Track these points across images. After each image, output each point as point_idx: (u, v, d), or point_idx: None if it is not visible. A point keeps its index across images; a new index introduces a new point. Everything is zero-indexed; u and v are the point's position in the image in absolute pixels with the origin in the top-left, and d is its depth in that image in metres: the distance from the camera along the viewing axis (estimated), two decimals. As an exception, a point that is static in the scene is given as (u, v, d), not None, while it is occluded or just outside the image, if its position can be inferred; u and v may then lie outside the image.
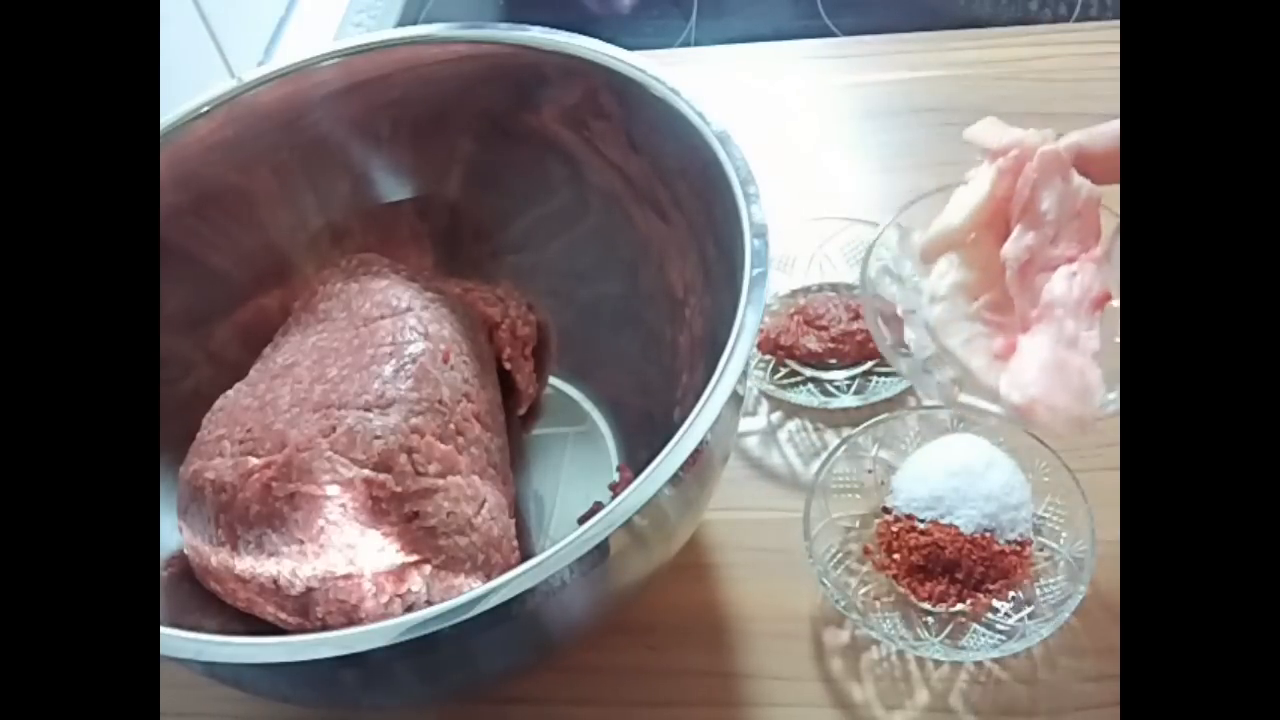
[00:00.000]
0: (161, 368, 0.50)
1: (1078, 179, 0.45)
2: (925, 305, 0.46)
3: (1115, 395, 0.44)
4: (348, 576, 0.46)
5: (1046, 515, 0.55)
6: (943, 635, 0.52)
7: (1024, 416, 0.43)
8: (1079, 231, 0.45)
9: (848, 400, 0.62)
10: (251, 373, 0.55)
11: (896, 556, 0.54)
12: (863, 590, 0.54)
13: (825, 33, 0.93)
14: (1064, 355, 0.43)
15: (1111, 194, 0.45)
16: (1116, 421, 0.41)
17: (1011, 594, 0.52)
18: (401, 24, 0.94)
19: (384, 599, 0.46)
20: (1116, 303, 0.45)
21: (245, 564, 0.48)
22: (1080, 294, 0.44)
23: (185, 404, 0.53)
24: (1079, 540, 0.52)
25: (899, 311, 0.49)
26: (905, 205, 0.52)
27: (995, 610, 0.52)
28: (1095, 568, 0.51)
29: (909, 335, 0.48)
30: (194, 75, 0.63)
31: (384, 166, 0.62)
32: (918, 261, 0.48)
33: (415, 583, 0.46)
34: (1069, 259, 0.45)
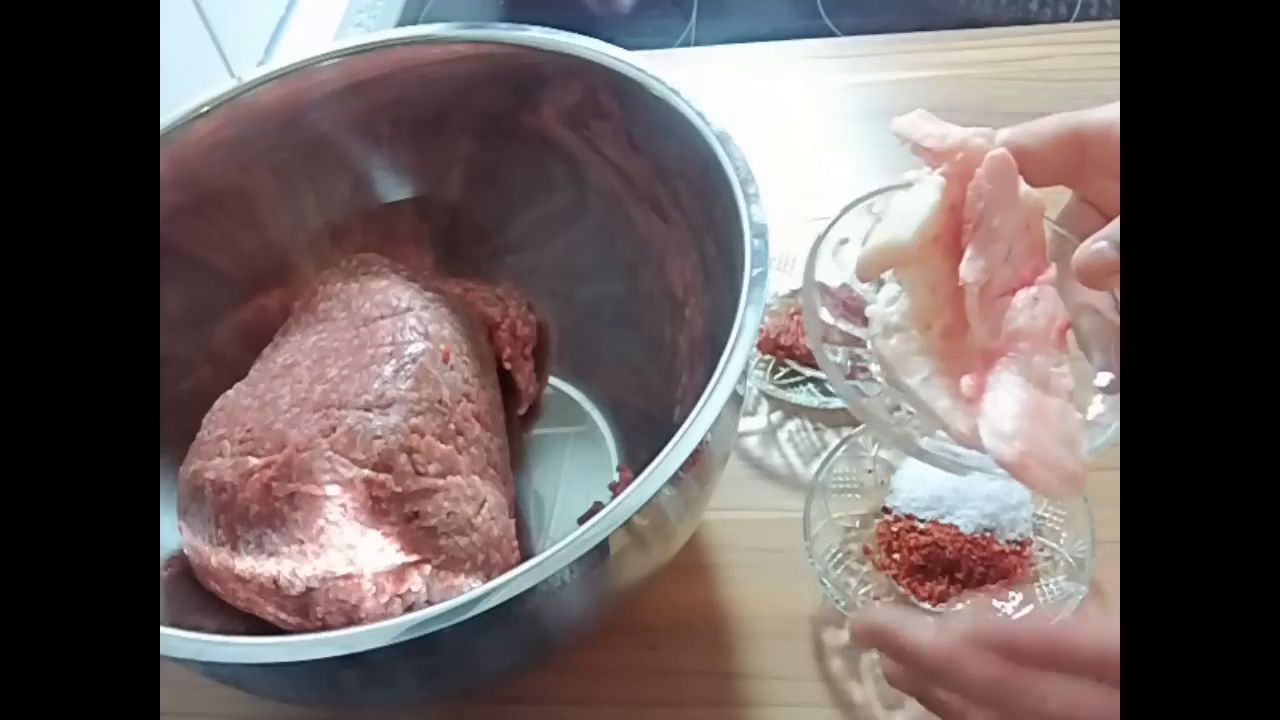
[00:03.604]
0: (161, 368, 0.50)
1: (1023, 185, 0.40)
2: (878, 336, 0.40)
3: (1102, 442, 0.39)
4: (348, 576, 0.46)
5: (1046, 515, 0.55)
6: (943, 635, 0.52)
7: (1016, 474, 0.37)
8: (1028, 247, 0.40)
9: (848, 400, 0.62)
10: (251, 373, 0.55)
11: (896, 556, 0.54)
12: (863, 590, 0.54)
13: (825, 33, 0.93)
14: (1039, 397, 0.38)
15: (1050, 202, 0.42)
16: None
17: (1011, 594, 0.52)
18: (401, 24, 0.94)
19: (384, 599, 0.46)
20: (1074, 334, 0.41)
21: (245, 564, 0.48)
22: (1046, 324, 0.39)
23: (185, 404, 0.53)
24: (1079, 540, 0.52)
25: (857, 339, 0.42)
26: (840, 213, 0.44)
27: (995, 610, 0.52)
28: (1095, 568, 0.51)
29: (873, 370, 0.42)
30: (194, 75, 0.63)
31: (384, 166, 0.62)
32: (852, 279, 0.42)
33: (415, 583, 0.46)
34: (1025, 281, 0.40)
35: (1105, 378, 0.42)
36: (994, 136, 0.41)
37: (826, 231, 0.43)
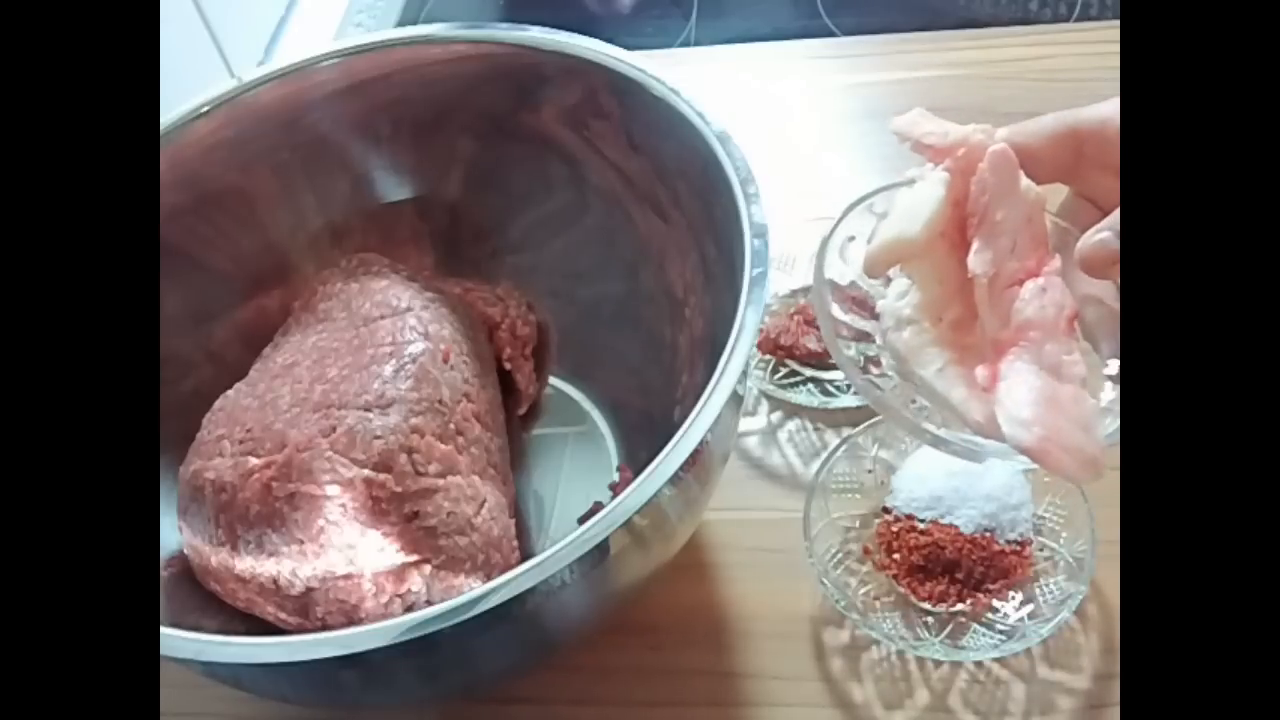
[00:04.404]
0: (161, 368, 0.50)
1: (1025, 180, 0.41)
2: (890, 330, 0.41)
3: (1116, 427, 0.40)
4: (348, 576, 0.46)
5: (1046, 515, 0.55)
6: (943, 635, 0.52)
7: (1037, 459, 0.38)
8: (1032, 239, 0.41)
9: (848, 400, 0.62)
10: (251, 373, 0.55)
11: (896, 556, 0.54)
12: (863, 590, 0.54)
13: (825, 33, 0.93)
14: (1052, 384, 0.39)
15: (1050, 196, 0.43)
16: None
17: (1011, 594, 0.52)
18: (401, 24, 0.94)
19: (384, 599, 0.46)
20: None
21: (245, 564, 0.48)
22: (1054, 313, 0.40)
23: (185, 404, 0.53)
24: (1079, 540, 0.52)
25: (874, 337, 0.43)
26: (845, 211, 0.45)
27: (995, 610, 0.52)
28: (1095, 568, 0.51)
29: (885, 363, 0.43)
30: (194, 75, 0.63)
31: (384, 166, 0.62)
32: (861, 276, 0.43)
33: (415, 583, 0.46)
34: (1030, 272, 0.41)
35: (1114, 365, 0.43)
36: (993, 133, 0.42)
37: (833, 230, 0.44)
